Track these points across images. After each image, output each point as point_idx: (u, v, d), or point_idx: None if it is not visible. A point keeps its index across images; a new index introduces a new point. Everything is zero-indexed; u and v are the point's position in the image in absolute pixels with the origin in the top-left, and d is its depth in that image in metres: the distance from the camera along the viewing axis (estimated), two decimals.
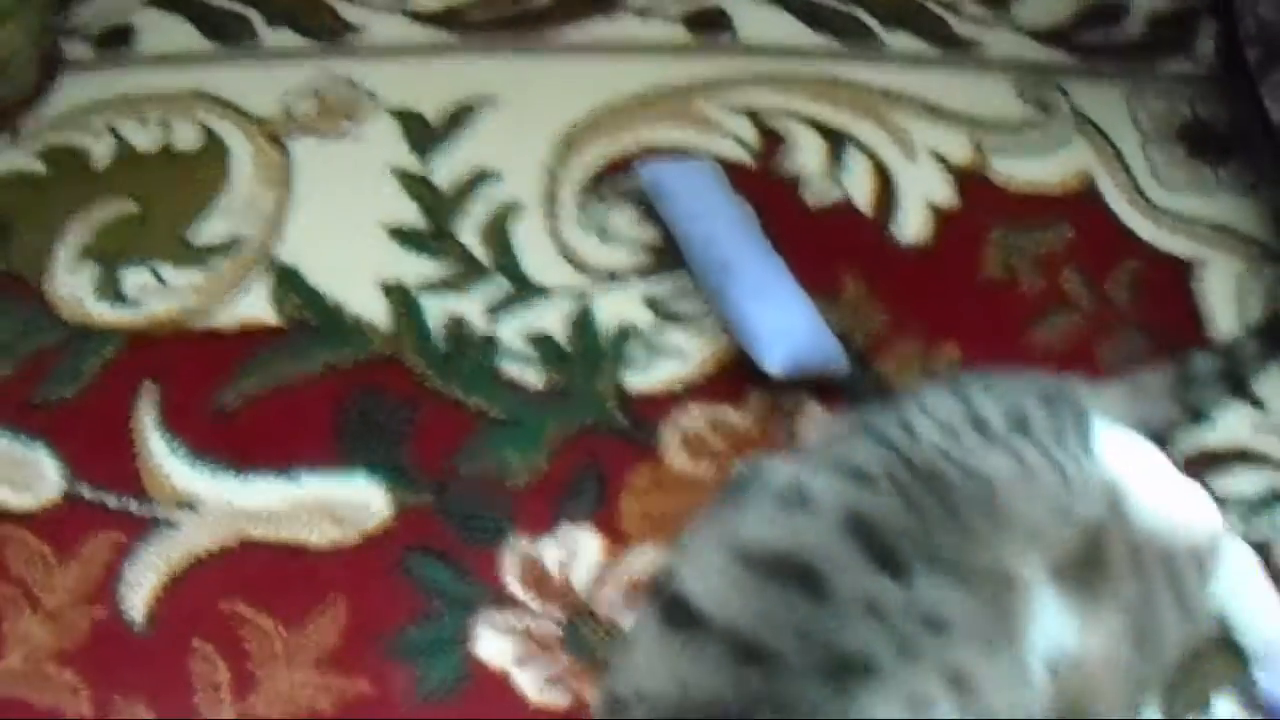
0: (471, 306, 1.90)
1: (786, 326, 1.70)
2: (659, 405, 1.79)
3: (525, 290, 1.92)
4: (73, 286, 1.92)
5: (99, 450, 1.75)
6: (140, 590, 1.65)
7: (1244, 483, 1.72)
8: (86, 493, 1.72)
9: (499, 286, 1.93)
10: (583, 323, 1.89)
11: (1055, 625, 1.40)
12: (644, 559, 1.67)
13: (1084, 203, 2.03)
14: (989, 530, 1.37)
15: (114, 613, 1.63)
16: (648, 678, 1.34)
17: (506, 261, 1.96)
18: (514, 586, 1.66)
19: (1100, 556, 1.43)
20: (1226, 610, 1.54)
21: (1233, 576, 1.55)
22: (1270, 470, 1.74)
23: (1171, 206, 2.02)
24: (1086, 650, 1.42)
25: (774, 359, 1.63)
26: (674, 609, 1.36)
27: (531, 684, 1.59)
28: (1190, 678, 1.55)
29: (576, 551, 1.69)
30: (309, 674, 1.60)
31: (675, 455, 1.75)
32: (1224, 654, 1.57)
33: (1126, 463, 1.51)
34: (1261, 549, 1.61)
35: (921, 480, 1.38)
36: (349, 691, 1.59)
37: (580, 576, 1.67)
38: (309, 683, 1.59)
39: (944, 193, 2.01)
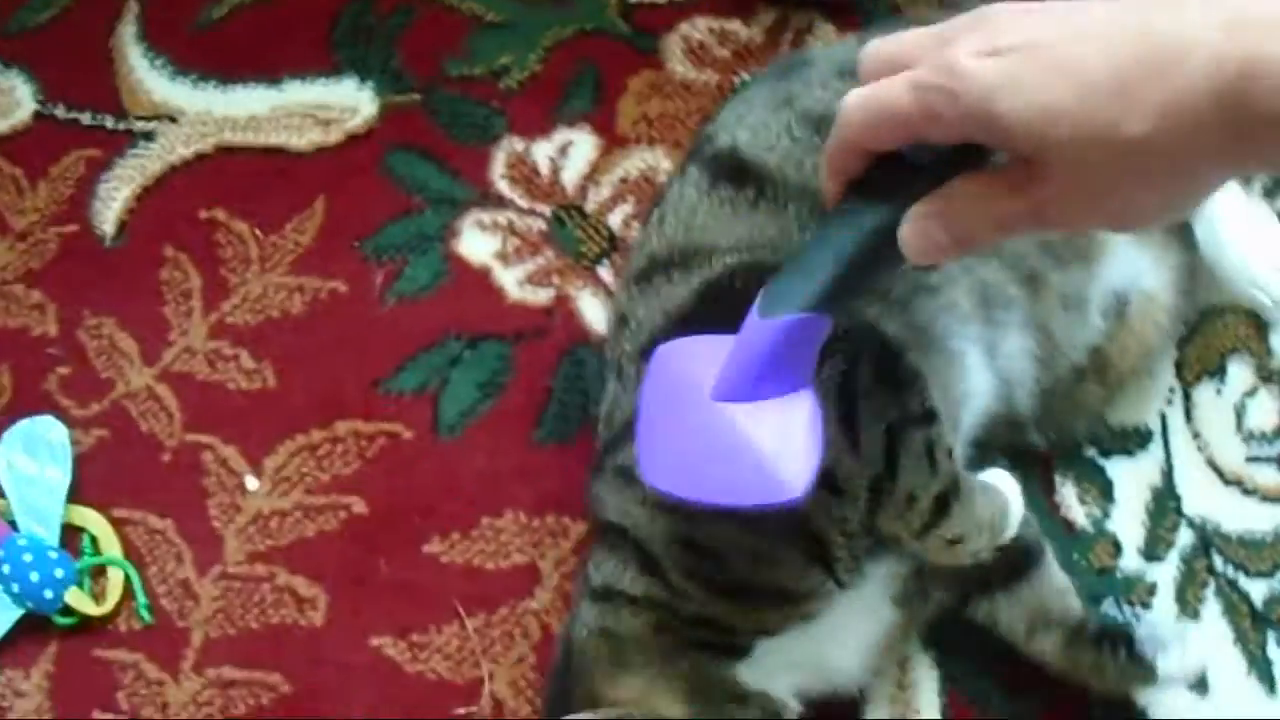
0: None
1: None
2: (662, 15, 1.64)
3: None
4: None
5: (75, 70, 1.66)
6: (113, 204, 1.59)
7: None
8: (60, 112, 1.65)
9: None
10: None
11: (1127, 259, 1.32)
12: (639, 160, 1.56)
13: None
14: None
15: (85, 228, 1.57)
16: (718, 237, 1.24)
17: None
18: (501, 184, 1.57)
19: None
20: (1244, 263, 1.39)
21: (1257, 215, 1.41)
22: None
23: None
24: (1153, 290, 1.35)
25: None
26: (735, 170, 1.26)
27: (512, 280, 1.53)
28: (1205, 338, 1.45)
29: (569, 151, 1.58)
30: (284, 277, 1.54)
31: (677, 63, 1.62)
32: (1237, 316, 1.46)
33: None
34: None
35: None
36: (323, 291, 1.53)
37: (570, 175, 1.57)
38: (283, 285, 1.53)
39: None
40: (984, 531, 1.18)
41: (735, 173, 1.25)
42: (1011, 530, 1.22)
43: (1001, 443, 1.31)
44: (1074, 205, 0.81)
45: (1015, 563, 1.25)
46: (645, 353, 1.20)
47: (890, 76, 0.85)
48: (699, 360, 0.94)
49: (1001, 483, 1.24)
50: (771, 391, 0.92)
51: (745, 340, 0.91)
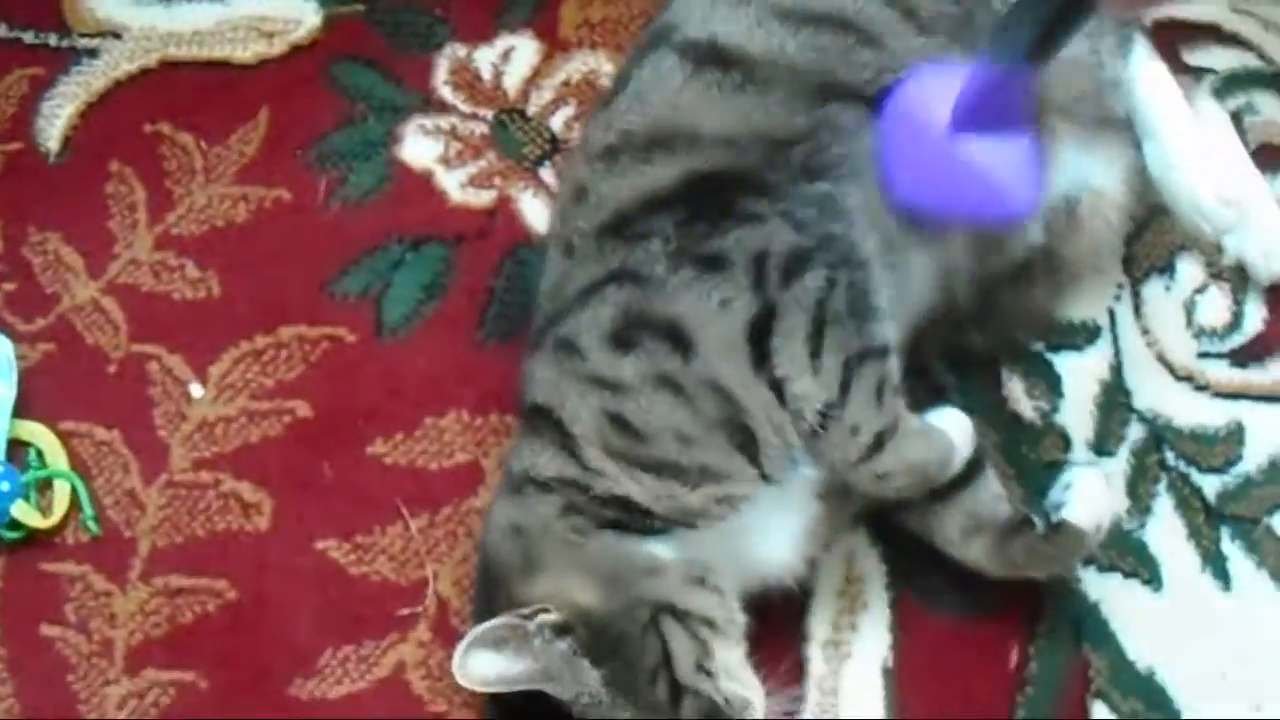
0: None
1: None
2: None
3: None
4: None
5: None
6: (56, 122, 1.59)
7: (1217, 59, 1.55)
8: (2, 31, 1.64)
9: None
10: None
11: (1075, 162, 1.33)
12: (581, 64, 1.57)
13: None
14: None
15: (29, 146, 1.57)
16: (703, 119, 1.26)
17: None
18: (444, 90, 1.57)
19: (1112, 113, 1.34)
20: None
21: (1211, 134, 1.43)
22: (1239, 50, 1.56)
23: None
24: (1103, 188, 1.36)
25: None
26: (719, 57, 1.27)
27: (454, 183, 1.53)
28: (1154, 235, 1.45)
29: (511, 56, 1.59)
30: (228, 187, 1.54)
31: None
32: None
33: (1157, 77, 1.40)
34: (1234, 117, 1.48)
35: None
36: (267, 200, 1.53)
37: (513, 80, 1.58)
38: (227, 195, 1.54)
39: None
40: (913, 474, 1.19)
41: (720, 59, 1.26)
42: (951, 473, 1.22)
43: (943, 343, 1.31)
44: None
45: (958, 476, 1.25)
46: (606, 229, 1.20)
47: None
48: (937, 98, 1.13)
49: (953, 425, 1.24)
50: (998, 127, 1.12)
51: (974, 83, 1.10)
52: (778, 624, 1.26)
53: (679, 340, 1.13)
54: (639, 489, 1.14)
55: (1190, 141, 1.35)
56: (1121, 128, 1.34)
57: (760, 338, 1.13)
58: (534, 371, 1.20)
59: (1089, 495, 1.22)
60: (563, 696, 1.10)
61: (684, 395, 1.12)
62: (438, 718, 1.29)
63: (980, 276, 1.28)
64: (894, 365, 1.17)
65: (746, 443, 1.14)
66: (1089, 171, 1.33)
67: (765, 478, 1.15)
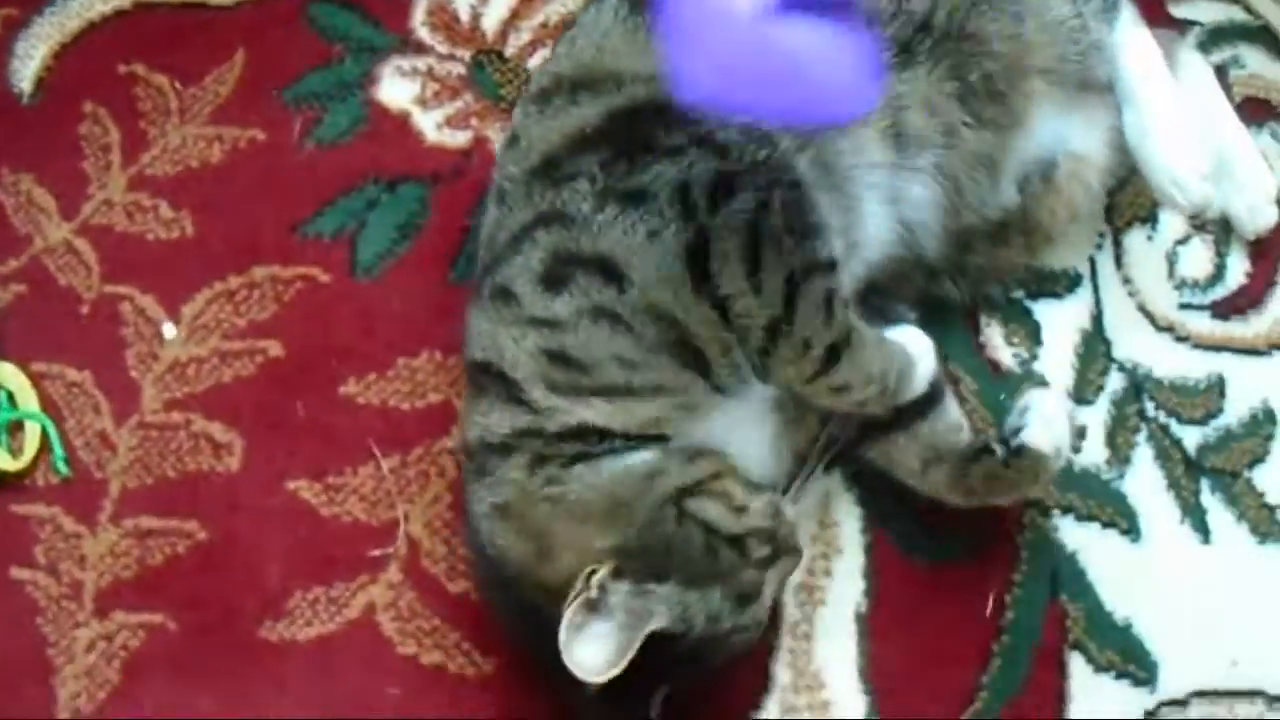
0: None
1: None
2: None
3: None
4: None
5: None
6: (30, 63, 1.58)
7: (1202, 12, 1.55)
8: None
9: None
10: None
11: (1052, 126, 1.33)
12: (559, 5, 1.57)
13: None
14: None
15: (2, 88, 1.55)
16: (626, 60, 1.25)
17: None
18: (422, 31, 1.56)
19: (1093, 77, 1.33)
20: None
21: (1195, 88, 1.43)
22: (1225, 3, 1.56)
23: None
24: (1083, 151, 1.36)
25: None
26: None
27: (430, 124, 1.52)
28: (1137, 185, 1.44)
29: None
30: (203, 128, 1.53)
31: None
32: None
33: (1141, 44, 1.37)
34: (1219, 70, 1.48)
35: None
36: (242, 140, 1.52)
37: (491, 21, 1.57)
38: (202, 136, 1.52)
39: None
40: (871, 385, 1.18)
41: (647, 2, 1.23)
42: (914, 390, 1.22)
43: (915, 291, 1.30)
44: None
45: (918, 403, 1.25)
46: (535, 173, 1.19)
47: None
48: None
49: (912, 342, 1.23)
50: (825, 9, 0.93)
51: None
52: None
53: (611, 274, 1.12)
54: (592, 412, 1.12)
55: (1170, 112, 1.33)
56: (1103, 91, 1.33)
57: (698, 262, 1.11)
58: (473, 325, 1.19)
59: (1047, 417, 1.21)
60: (666, 627, 1.08)
61: (622, 324, 1.11)
62: (408, 659, 1.29)
63: (952, 232, 1.28)
64: (842, 279, 1.17)
65: (694, 360, 1.13)
66: (1067, 135, 1.33)
67: (720, 390, 1.14)
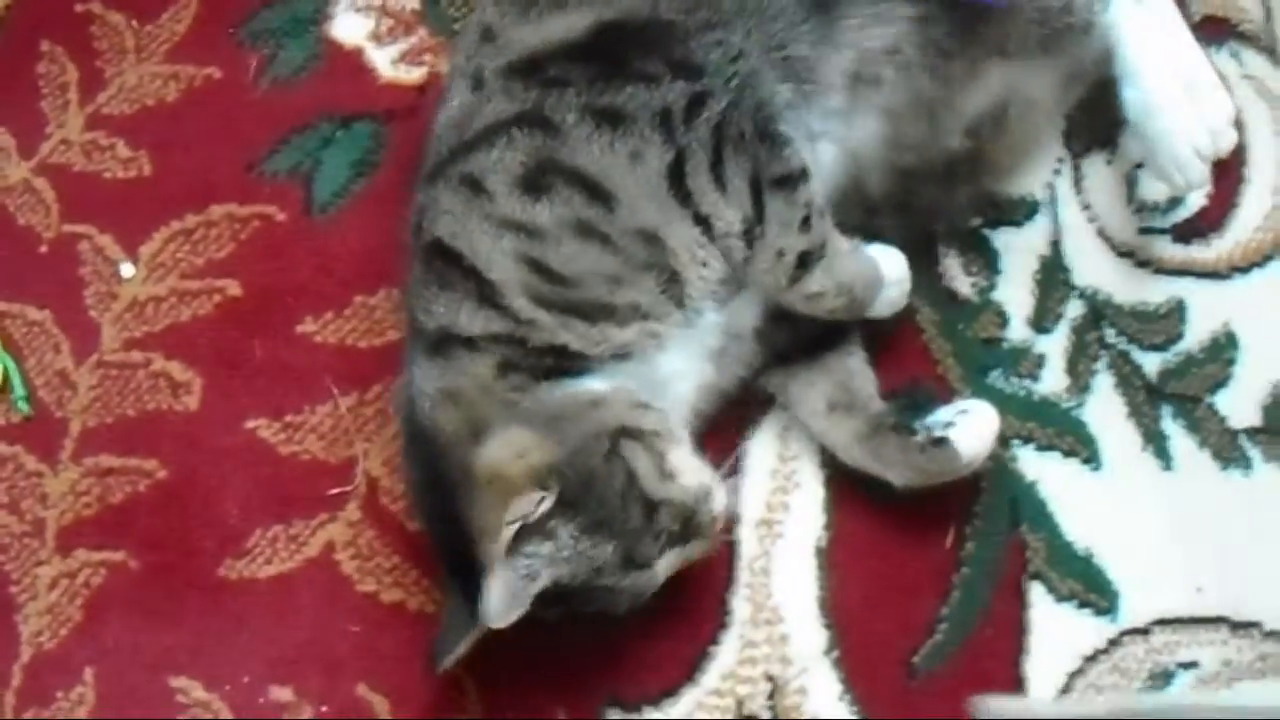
0: None
1: None
2: None
3: None
4: None
5: None
6: None
7: None
8: None
9: None
10: None
11: (1004, 77, 1.33)
12: None
13: None
14: None
15: None
16: None
17: None
18: None
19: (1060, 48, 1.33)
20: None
21: (1153, 13, 1.38)
22: None
23: None
24: (1034, 95, 1.35)
25: None
26: None
27: (385, 60, 1.53)
28: (1095, 109, 1.42)
29: None
30: (159, 66, 1.54)
31: None
32: None
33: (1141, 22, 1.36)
34: None
35: None
36: (198, 78, 1.54)
37: None
38: (159, 74, 1.54)
39: None
40: (842, 294, 1.22)
41: None
42: (886, 305, 1.27)
43: (855, 224, 1.30)
44: None
45: (822, 335, 1.27)
46: (515, 70, 1.21)
47: None
48: None
49: (886, 260, 1.26)
50: None
51: None
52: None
53: (596, 192, 1.14)
54: (574, 337, 1.15)
55: (1173, 93, 1.32)
56: (1065, 54, 1.33)
57: (679, 180, 1.14)
58: (436, 202, 1.19)
59: (979, 429, 1.23)
60: (564, 576, 1.12)
61: (610, 243, 1.14)
62: (368, 597, 1.30)
63: (897, 169, 1.28)
64: (815, 188, 1.19)
65: (671, 283, 1.17)
66: (1023, 82, 1.33)
67: (685, 319, 1.18)
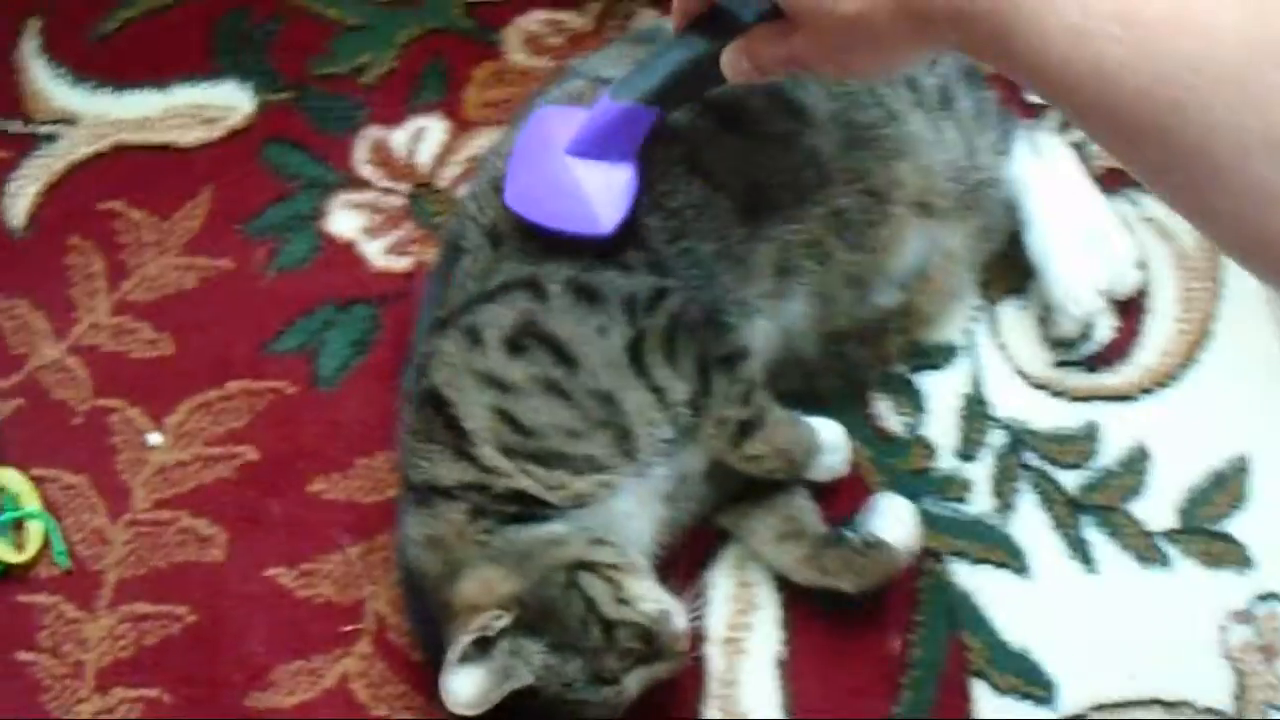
0: None
1: None
2: (502, 11, 1.80)
3: None
4: None
5: None
6: (21, 200, 1.70)
7: None
8: None
9: None
10: None
11: (921, 241, 1.44)
12: (485, 140, 1.69)
13: None
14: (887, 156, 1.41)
15: None
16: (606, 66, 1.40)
17: None
18: (364, 168, 1.69)
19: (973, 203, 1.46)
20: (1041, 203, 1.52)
21: (1057, 170, 1.53)
22: None
23: None
24: (953, 249, 1.47)
25: None
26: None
27: (376, 251, 1.65)
28: (1008, 260, 1.55)
29: (423, 136, 1.71)
30: (177, 258, 1.65)
31: (516, 52, 1.77)
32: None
33: (1039, 173, 1.51)
34: (1078, 148, 1.57)
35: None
36: (212, 269, 1.64)
37: (424, 157, 1.70)
38: (177, 265, 1.65)
39: None
40: (780, 458, 1.34)
41: None
42: (816, 463, 1.39)
43: (796, 389, 1.42)
44: (817, 55, 1.00)
45: (778, 482, 1.39)
46: (528, 234, 1.32)
47: None
48: (564, 124, 1.22)
49: (825, 430, 1.39)
50: (607, 156, 1.21)
51: (595, 113, 1.19)
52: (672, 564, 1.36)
53: (564, 354, 1.26)
54: (532, 482, 1.25)
55: (1069, 236, 1.45)
56: (978, 207, 1.45)
57: (637, 355, 1.27)
58: (441, 347, 1.29)
59: (898, 517, 1.35)
60: (528, 682, 1.21)
61: (572, 400, 1.25)
62: None
63: (828, 336, 1.40)
64: (755, 366, 1.32)
65: (623, 440, 1.27)
66: (941, 239, 1.44)
67: (638, 473, 1.29)
